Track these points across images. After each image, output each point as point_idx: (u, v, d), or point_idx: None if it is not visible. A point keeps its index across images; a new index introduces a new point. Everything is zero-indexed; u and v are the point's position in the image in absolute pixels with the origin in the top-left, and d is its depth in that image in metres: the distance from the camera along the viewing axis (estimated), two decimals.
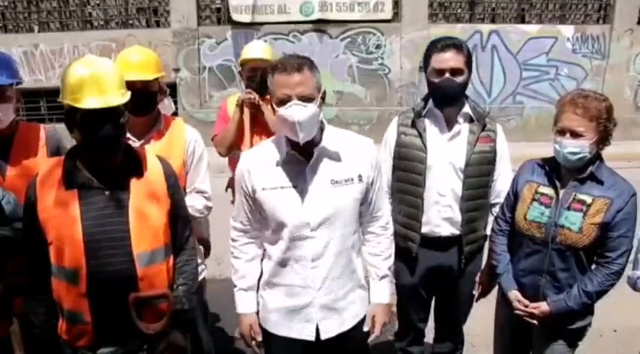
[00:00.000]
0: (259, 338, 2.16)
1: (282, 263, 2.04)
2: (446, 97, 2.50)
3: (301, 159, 1.95)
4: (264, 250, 2.14)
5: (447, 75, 2.42)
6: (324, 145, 1.96)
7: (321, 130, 1.99)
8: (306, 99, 1.85)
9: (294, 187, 1.96)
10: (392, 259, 2.23)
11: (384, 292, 2.18)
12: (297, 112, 1.83)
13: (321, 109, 1.94)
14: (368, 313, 2.16)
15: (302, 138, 1.88)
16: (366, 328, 2.15)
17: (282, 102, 1.87)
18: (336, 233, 2.00)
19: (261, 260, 2.17)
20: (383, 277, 2.19)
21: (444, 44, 2.43)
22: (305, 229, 1.97)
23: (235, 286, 2.18)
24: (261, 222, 2.09)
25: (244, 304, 2.16)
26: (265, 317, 2.15)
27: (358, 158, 2.02)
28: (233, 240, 2.18)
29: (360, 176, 2.00)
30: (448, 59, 2.41)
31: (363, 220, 2.16)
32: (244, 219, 2.12)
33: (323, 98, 1.94)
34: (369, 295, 2.18)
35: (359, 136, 2.14)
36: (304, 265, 2.01)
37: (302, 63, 1.86)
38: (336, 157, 1.98)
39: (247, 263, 2.15)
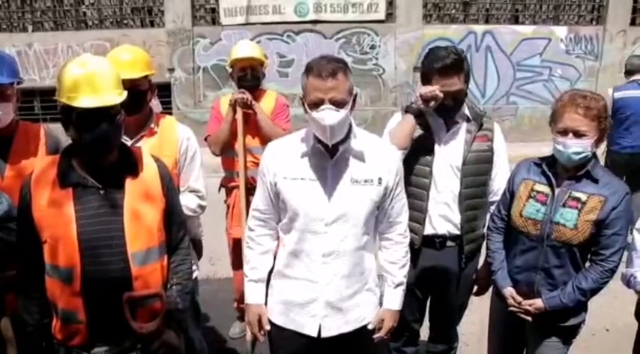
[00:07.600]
0: (267, 328, 2.16)
1: (295, 255, 2.06)
2: (444, 113, 2.52)
3: (325, 154, 1.98)
4: (279, 241, 2.16)
5: (450, 98, 2.42)
6: (349, 144, 1.99)
7: (349, 129, 2.00)
8: (339, 103, 1.88)
9: (315, 180, 1.98)
10: (407, 267, 2.22)
11: (396, 300, 2.19)
12: (328, 116, 1.87)
13: (352, 112, 1.96)
14: (377, 315, 2.16)
15: (331, 141, 1.92)
16: (370, 327, 2.15)
17: (315, 105, 1.89)
18: (350, 232, 2.00)
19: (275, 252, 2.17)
20: (398, 285, 2.19)
21: (446, 65, 2.38)
22: (319, 224, 1.98)
23: (246, 276, 2.19)
24: (280, 212, 2.09)
25: (254, 295, 2.17)
26: (272, 307, 2.17)
27: (380, 162, 2.03)
28: (250, 229, 2.19)
29: (380, 179, 2.02)
30: (451, 84, 2.40)
31: (382, 226, 2.16)
32: (264, 207, 2.13)
33: (354, 101, 1.96)
34: (382, 300, 2.18)
35: (385, 142, 2.18)
36: (314, 260, 2.02)
37: (337, 68, 1.88)
38: (359, 158, 2.01)
39: (261, 255, 2.16)
